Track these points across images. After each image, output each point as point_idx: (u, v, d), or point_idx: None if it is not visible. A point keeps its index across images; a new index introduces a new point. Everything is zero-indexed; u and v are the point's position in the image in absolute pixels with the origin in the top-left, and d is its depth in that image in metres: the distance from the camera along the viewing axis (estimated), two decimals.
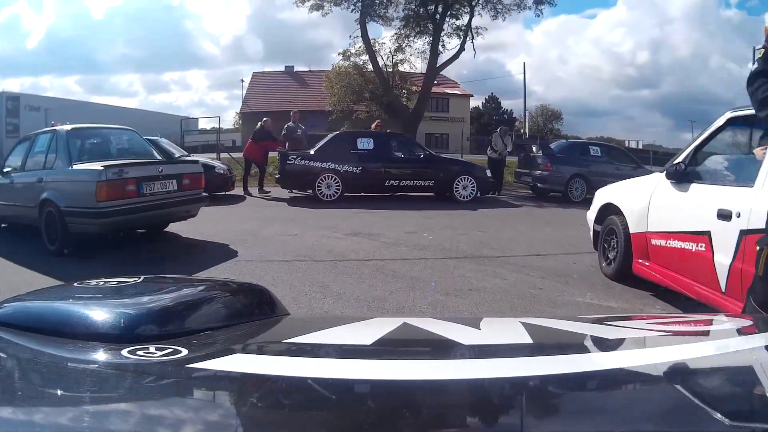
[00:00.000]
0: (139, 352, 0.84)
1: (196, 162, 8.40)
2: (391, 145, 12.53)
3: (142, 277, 1.32)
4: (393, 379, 0.80)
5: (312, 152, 11.82)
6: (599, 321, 1.29)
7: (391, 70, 21.07)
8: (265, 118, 13.34)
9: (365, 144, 12.10)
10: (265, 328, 1.16)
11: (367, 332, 1.13)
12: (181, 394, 0.80)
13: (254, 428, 0.69)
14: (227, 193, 12.33)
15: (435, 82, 22.80)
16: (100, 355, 0.87)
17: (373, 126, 14.44)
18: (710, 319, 1.31)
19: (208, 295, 1.24)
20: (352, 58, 21.64)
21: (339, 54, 22.68)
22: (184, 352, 0.86)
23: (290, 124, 13.13)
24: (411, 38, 20.73)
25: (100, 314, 1.01)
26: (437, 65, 20.57)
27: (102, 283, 1.27)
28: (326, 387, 0.78)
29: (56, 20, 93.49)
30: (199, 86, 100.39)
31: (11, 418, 0.65)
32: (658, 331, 1.19)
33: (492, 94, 55.11)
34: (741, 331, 1.18)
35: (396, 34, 20.77)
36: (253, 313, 1.19)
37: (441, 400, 0.78)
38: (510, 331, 1.18)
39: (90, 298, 1.19)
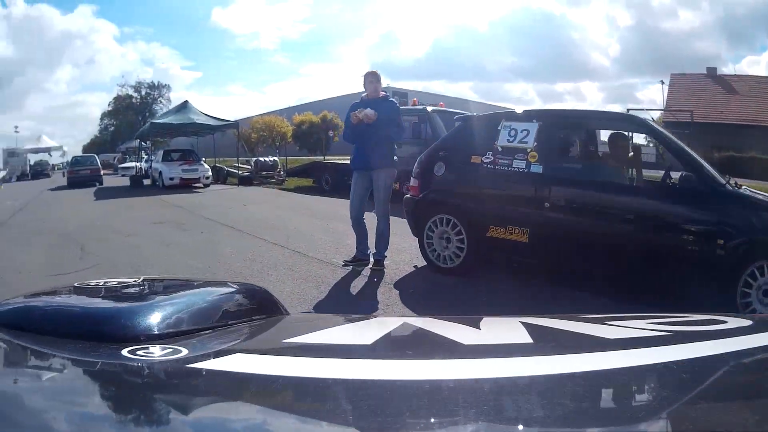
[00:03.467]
0: (139, 352, 0.84)
1: None
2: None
3: (142, 277, 1.33)
4: (393, 379, 0.81)
5: None
6: (599, 321, 1.28)
7: None
8: None
9: None
10: (265, 328, 1.17)
11: (367, 332, 1.15)
12: (181, 394, 0.80)
13: (254, 428, 0.69)
14: None
15: None
16: (100, 355, 0.88)
17: None
18: (710, 318, 1.32)
19: (208, 295, 1.25)
20: None
21: None
22: (184, 352, 0.86)
23: None
24: None
25: (100, 314, 1.03)
26: None
27: (102, 283, 1.27)
28: (326, 387, 0.79)
29: (441, 33, 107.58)
30: (593, 99, 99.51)
31: (11, 419, 0.66)
32: (658, 331, 1.20)
33: None
34: (741, 331, 1.19)
35: None
36: (253, 313, 1.20)
37: (441, 400, 0.78)
38: (510, 331, 1.19)
39: (90, 298, 1.20)
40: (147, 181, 24.40)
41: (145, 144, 29.98)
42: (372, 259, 6.24)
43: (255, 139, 29.61)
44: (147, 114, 68.31)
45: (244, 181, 22.37)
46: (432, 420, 0.72)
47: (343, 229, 8.53)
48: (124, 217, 12.75)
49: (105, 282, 1.28)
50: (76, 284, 1.28)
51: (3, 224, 12.90)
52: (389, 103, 6.25)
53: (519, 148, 5.63)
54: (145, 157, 28.94)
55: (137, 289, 1.28)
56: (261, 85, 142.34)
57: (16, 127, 56.00)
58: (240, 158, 26.21)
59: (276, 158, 24.39)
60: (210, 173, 22.01)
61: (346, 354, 1.00)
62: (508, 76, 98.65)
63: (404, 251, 7.00)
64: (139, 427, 0.67)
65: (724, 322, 1.26)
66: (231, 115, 25.25)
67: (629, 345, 1.06)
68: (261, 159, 23.74)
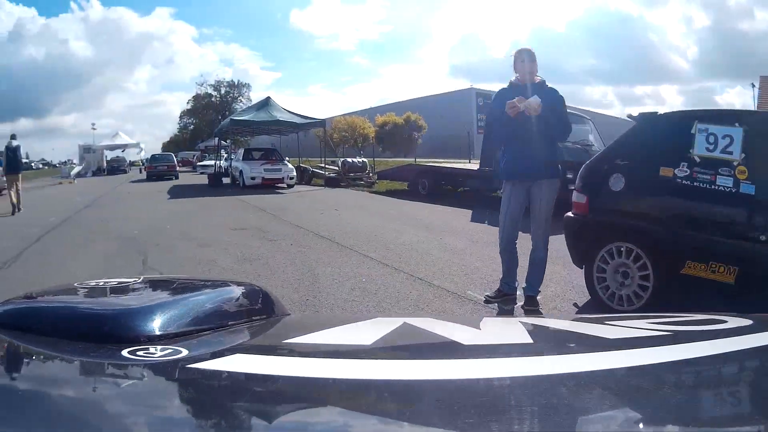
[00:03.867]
0: (139, 353, 0.84)
1: None
2: None
3: (142, 277, 1.36)
4: (393, 379, 0.81)
5: None
6: (599, 321, 1.31)
7: None
8: None
9: None
10: (265, 328, 1.17)
11: (367, 332, 1.14)
12: (181, 394, 0.81)
13: (254, 428, 0.69)
14: None
15: None
16: (100, 356, 0.87)
17: None
18: (711, 318, 1.31)
19: (208, 295, 1.22)
20: None
21: None
22: (184, 352, 0.86)
23: None
24: None
25: (100, 314, 1.02)
26: None
27: (102, 283, 1.28)
28: (326, 387, 0.79)
29: (519, 34, 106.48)
30: (673, 102, 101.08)
31: (11, 419, 0.65)
32: (658, 331, 1.21)
33: None
34: (741, 331, 1.17)
35: None
36: (253, 313, 1.19)
37: (441, 400, 0.78)
38: (510, 331, 1.20)
39: (90, 298, 1.23)
40: (226, 180, 23.59)
41: (225, 142, 29.75)
42: (522, 295, 4.79)
43: (337, 139, 28.95)
44: (227, 113, 69.19)
45: (331, 183, 21.33)
46: (432, 420, 0.71)
47: (463, 247, 7.61)
48: (199, 221, 11.45)
49: (105, 282, 1.29)
50: (76, 284, 1.29)
51: (65, 221, 11.76)
52: (551, 91, 4.67)
53: (722, 161, 4.26)
54: (225, 155, 28.95)
55: (137, 289, 1.29)
56: (341, 86, 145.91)
57: (93, 124, 58.05)
58: (325, 158, 25.14)
59: (365, 159, 23.06)
60: (294, 173, 20.98)
61: (346, 354, 0.99)
62: (587, 79, 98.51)
63: (553, 281, 5.47)
64: (139, 428, 0.67)
65: (724, 321, 1.26)
66: (311, 115, 24.89)
67: (629, 345, 1.05)
68: (349, 160, 22.43)
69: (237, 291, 1.28)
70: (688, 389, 0.85)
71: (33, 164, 65.16)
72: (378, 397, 0.78)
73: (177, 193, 19.91)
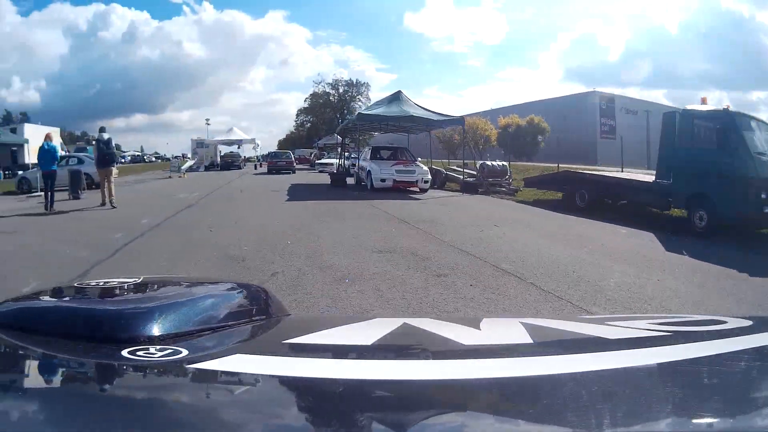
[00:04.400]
0: (139, 353, 0.84)
1: None
2: None
3: (142, 277, 1.33)
4: (393, 379, 0.81)
5: None
6: (599, 321, 1.32)
7: None
8: None
9: None
10: (265, 328, 1.16)
11: (367, 332, 1.13)
12: (181, 394, 0.80)
13: (254, 428, 0.69)
14: None
15: None
16: (100, 356, 0.87)
17: None
18: (710, 319, 1.33)
19: (208, 295, 1.21)
20: None
21: None
22: (184, 352, 0.85)
23: None
24: None
25: (100, 315, 1.01)
26: None
27: (102, 283, 1.28)
28: (326, 387, 0.79)
29: (632, 36, 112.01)
30: None
31: (11, 419, 0.65)
32: (658, 331, 1.20)
33: None
34: (741, 331, 1.18)
35: None
36: (253, 313, 1.18)
37: (441, 400, 0.78)
38: (510, 331, 1.19)
39: (90, 298, 1.22)
40: (350, 180, 21.87)
41: (346, 140, 28.64)
42: None
43: (458, 141, 27.37)
44: (345, 111, 69.14)
45: (468, 188, 18.91)
46: (432, 420, 0.71)
47: (699, 297, 5.65)
48: (328, 235, 8.73)
49: (105, 282, 1.28)
50: (76, 284, 1.31)
51: (158, 226, 9.86)
52: None
53: None
54: (347, 153, 28.17)
55: (137, 289, 1.27)
56: (457, 88, 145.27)
57: (207, 119, 58.25)
58: (464, 160, 22.62)
59: (504, 163, 20.59)
60: (429, 177, 18.61)
61: (346, 354, 0.99)
62: (701, 83, 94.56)
63: None
64: (139, 428, 0.66)
65: (724, 322, 1.26)
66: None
67: (629, 345, 1.04)
68: (488, 163, 19.82)
69: (237, 291, 1.27)
70: (688, 389, 0.84)
71: (123, 158, 66.54)
72: (378, 397, 0.79)
73: (296, 193, 17.70)
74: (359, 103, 69.67)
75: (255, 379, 0.79)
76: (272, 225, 9.63)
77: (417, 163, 19.06)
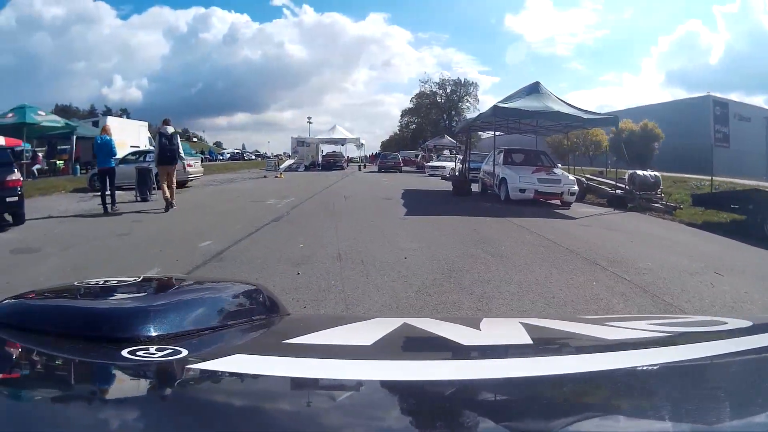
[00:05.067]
0: (139, 353, 0.84)
1: None
2: None
3: (142, 277, 1.32)
4: (393, 380, 0.81)
5: None
6: (599, 321, 1.31)
7: None
8: None
9: None
10: (265, 328, 1.16)
11: (367, 332, 1.12)
12: (181, 394, 0.80)
13: (254, 428, 0.68)
14: None
15: None
16: (100, 356, 0.87)
17: None
18: (710, 319, 1.30)
19: (208, 295, 1.22)
20: None
21: None
22: (184, 352, 0.85)
23: None
24: None
25: (100, 314, 1.01)
26: None
27: (102, 282, 1.27)
28: (326, 387, 0.79)
29: (733, 37, 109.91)
30: None
31: (11, 418, 0.65)
32: (657, 332, 1.21)
33: None
34: (741, 332, 1.17)
35: None
36: (253, 313, 1.18)
37: (441, 400, 0.78)
38: (510, 331, 1.19)
39: (90, 298, 1.21)
40: (473, 187, 18.35)
41: (462, 140, 27.15)
42: None
43: (568, 146, 25.36)
44: (452, 112, 66.50)
45: (616, 203, 15.72)
46: (432, 420, 0.71)
47: None
48: (478, 283, 5.65)
49: (105, 281, 1.27)
50: (76, 283, 1.27)
51: (219, 255, 6.96)
52: None
53: None
54: (459, 156, 26.99)
55: (137, 289, 1.26)
56: (560, 92, 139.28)
57: (309, 118, 56.62)
58: (616, 169, 18.90)
59: (657, 173, 16.50)
60: (576, 188, 15.17)
61: (346, 354, 0.98)
62: None
63: None
64: (139, 428, 0.66)
65: (724, 323, 1.25)
66: None
67: (629, 346, 1.04)
68: (639, 173, 16.11)
69: (237, 291, 1.27)
70: (688, 389, 0.84)
71: (222, 155, 65.74)
72: (378, 397, 0.79)
73: (413, 204, 14.35)
74: (467, 104, 67.88)
75: (255, 379, 0.80)
76: (394, 261, 6.34)
77: (560, 171, 15.66)
